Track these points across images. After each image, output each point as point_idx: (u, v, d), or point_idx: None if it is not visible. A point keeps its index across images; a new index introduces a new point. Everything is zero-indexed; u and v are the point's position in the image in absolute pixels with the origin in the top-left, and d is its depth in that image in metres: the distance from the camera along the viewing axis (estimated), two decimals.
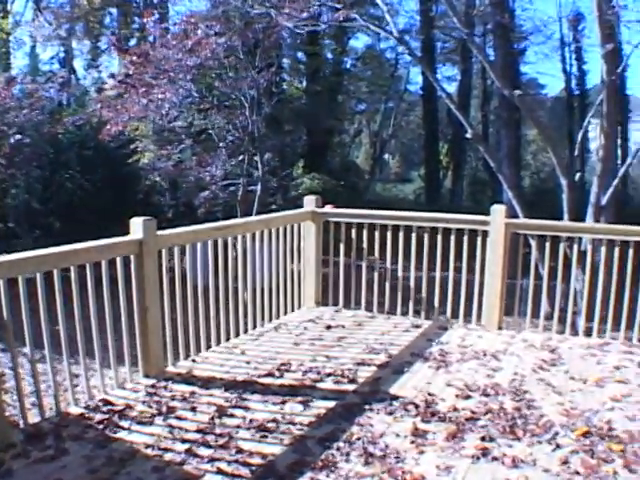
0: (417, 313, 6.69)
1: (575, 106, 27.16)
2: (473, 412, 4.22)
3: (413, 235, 6.37)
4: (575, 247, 6.65)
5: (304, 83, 25.79)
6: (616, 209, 15.35)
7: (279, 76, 19.26)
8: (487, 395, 4.55)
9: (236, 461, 3.52)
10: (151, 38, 15.55)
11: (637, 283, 5.79)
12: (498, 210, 6.09)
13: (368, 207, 7.49)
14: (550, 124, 27.03)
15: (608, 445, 3.73)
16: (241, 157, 14.91)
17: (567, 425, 4.03)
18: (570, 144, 23.50)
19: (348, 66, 28.24)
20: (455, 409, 4.27)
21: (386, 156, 39.64)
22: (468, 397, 4.51)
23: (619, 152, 23.84)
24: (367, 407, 4.26)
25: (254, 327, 6.02)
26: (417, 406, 4.30)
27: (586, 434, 3.88)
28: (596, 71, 21.77)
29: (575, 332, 6.37)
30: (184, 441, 3.74)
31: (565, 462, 3.55)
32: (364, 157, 36.73)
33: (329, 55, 26.64)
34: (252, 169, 15.33)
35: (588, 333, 6.19)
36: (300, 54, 25.82)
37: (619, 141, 24.50)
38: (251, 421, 3.99)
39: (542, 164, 29.15)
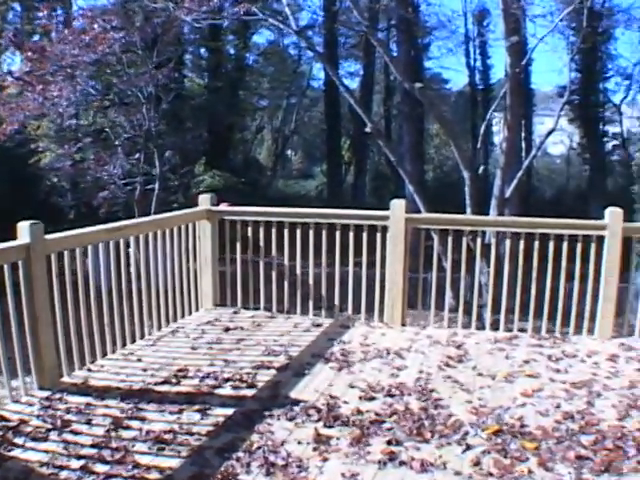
0: (318, 311, 6.60)
1: (479, 100, 28.12)
2: (378, 414, 4.13)
3: (311, 232, 6.31)
4: (480, 240, 6.66)
5: (206, 79, 25.76)
6: (521, 201, 15.91)
7: (179, 72, 19.25)
8: (392, 396, 4.46)
9: (133, 477, 3.35)
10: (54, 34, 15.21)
11: (544, 274, 5.91)
12: (397, 205, 6.12)
13: (270, 204, 7.44)
14: (454, 118, 27.83)
15: (521, 443, 3.71)
16: (137, 155, 14.65)
17: (477, 424, 3.98)
18: (473, 138, 24.18)
19: (250, 62, 28.64)
20: (359, 412, 4.17)
21: (289, 152, 40.26)
22: (372, 398, 4.42)
23: (523, 145, 24.68)
24: (267, 413, 4.14)
25: (151, 332, 5.85)
26: (319, 410, 4.18)
27: (497, 432, 3.85)
28: (500, 66, 22.59)
29: (482, 326, 6.42)
30: (79, 457, 3.52)
31: (477, 463, 3.49)
32: (267, 154, 37.04)
33: (232, 51, 26.81)
34: (151, 167, 15.18)
35: (495, 327, 6.26)
36: (203, 50, 25.89)
37: (523, 134, 25.49)
38: (148, 433, 3.83)
39: (445, 158, 29.96)
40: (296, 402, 4.31)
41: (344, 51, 29.49)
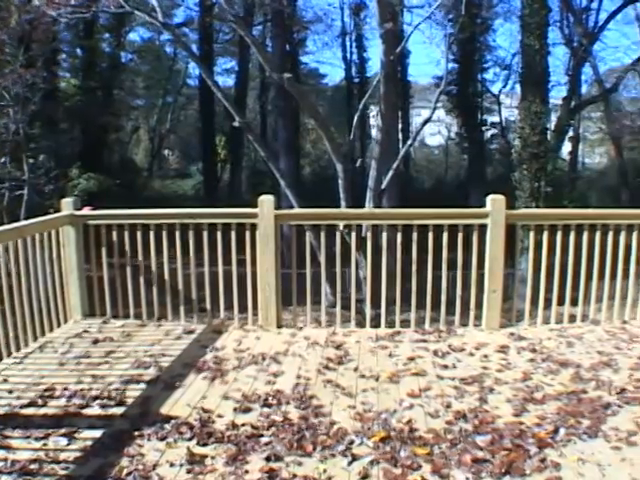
0: (190, 317, 6.34)
1: (355, 94, 28.52)
2: (255, 427, 3.91)
3: (177, 233, 6.10)
4: (356, 234, 6.54)
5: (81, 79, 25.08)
6: (400, 192, 16.12)
7: (50, 72, 18.64)
8: (269, 405, 4.25)
9: None
10: None
11: (425, 266, 5.85)
12: (266, 201, 6.00)
13: (146, 205, 7.11)
14: (331, 112, 28.13)
15: (412, 449, 3.57)
16: (3, 159, 13.90)
17: (362, 431, 3.82)
18: (350, 131, 24.48)
19: (125, 60, 28.52)
20: (234, 426, 3.93)
21: (166, 152, 40.54)
22: (248, 410, 4.19)
23: (401, 137, 25.17)
24: (137, 433, 3.87)
25: (18, 349, 5.46)
26: (192, 427, 3.92)
27: (385, 439, 3.69)
28: (377, 59, 22.92)
29: (362, 323, 6.29)
30: None
31: (365, 476, 3.33)
32: (144, 154, 36.77)
33: (107, 49, 26.47)
34: (21, 172, 14.56)
35: (376, 324, 6.16)
36: (79, 49, 25.40)
37: (401, 126, 26.02)
38: (13, 463, 3.52)
39: (322, 152, 30.13)
40: (167, 419, 4.05)
41: (220, 48, 29.68)
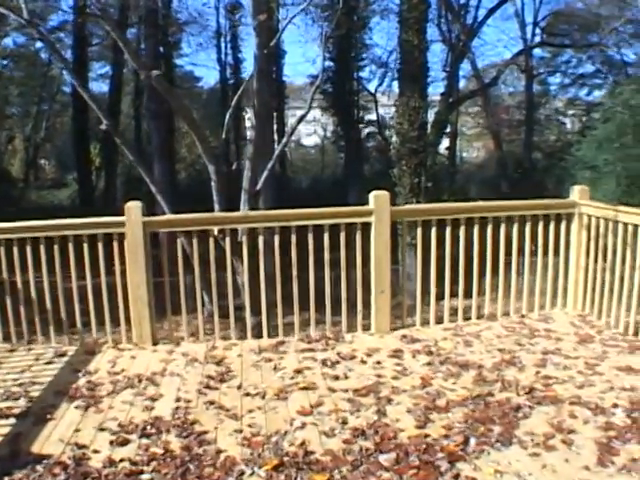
0: (61, 338, 5.78)
1: (230, 95, 27.98)
2: (134, 463, 3.51)
3: (42, 247, 5.55)
4: (235, 238, 6.18)
5: None
6: (276, 193, 15.85)
7: None
8: (148, 436, 3.84)
9: None
10: None
11: (306, 269, 5.53)
12: (133, 208, 5.54)
13: (23, 217, 6.40)
14: (206, 116, 27.73)
15: (309, 476, 3.27)
16: None
17: (252, 459, 3.49)
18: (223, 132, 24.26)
19: None
20: (112, 462, 3.52)
21: (42, 161, 38.83)
22: (126, 442, 3.77)
23: (276, 138, 25.00)
24: (7, 479, 3.43)
25: None
26: (66, 467, 3.48)
27: (278, 467, 3.37)
28: (252, 60, 22.70)
29: (243, 334, 5.93)
30: None
31: None
32: (20, 164, 35.13)
33: None
34: None
35: (258, 333, 5.83)
36: None
37: (276, 126, 25.93)
38: None
39: (198, 156, 29.52)
40: (39, 459, 3.58)
41: (95, 52, 28.78)
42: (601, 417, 3.88)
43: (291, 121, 31.66)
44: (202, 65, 44.02)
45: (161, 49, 22.03)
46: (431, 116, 18.01)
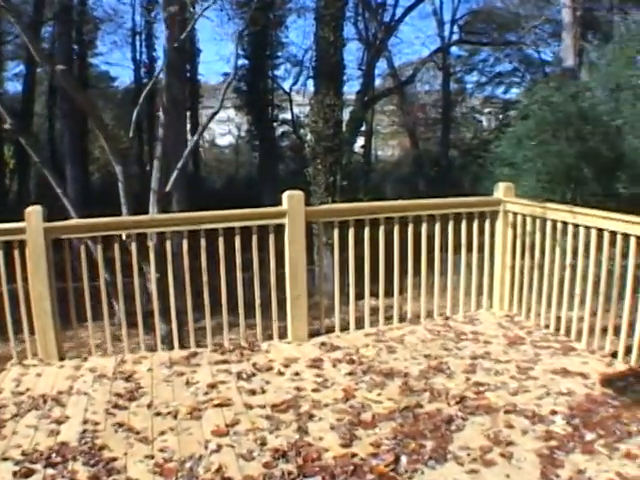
0: None
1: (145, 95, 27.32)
2: None
3: None
4: (144, 242, 5.80)
5: None
6: (189, 194, 15.49)
7: None
8: (53, 465, 3.48)
9: None
10: None
11: (216, 274, 5.25)
12: (33, 213, 5.09)
13: None
14: (121, 116, 27.09)
15: None
16: None
17: None
18: (140, 134, 23.94)
19: None
20: None
21: None
22: (30, 473, 3.40)
23: (190, 138, 24.64)
24: None
25: None
26: None
27: None
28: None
29: (154, 346, 5.62)
30: None
31: None
32: None
33: None
34: None
35: (170, 342, 5.56)
36: None
37: (189, 126, 25.44)
38: None
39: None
40: None
41: (10, 51, 27.57)
42: (540, 426, 3.74)
43: (204, 120, 31.17)
44: (117, 64, 42.95)
45: (75, 47, 21.57)
46: (346, 115, 17.96)
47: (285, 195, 5.35)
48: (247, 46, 22.67)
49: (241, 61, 22.51)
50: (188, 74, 25.31)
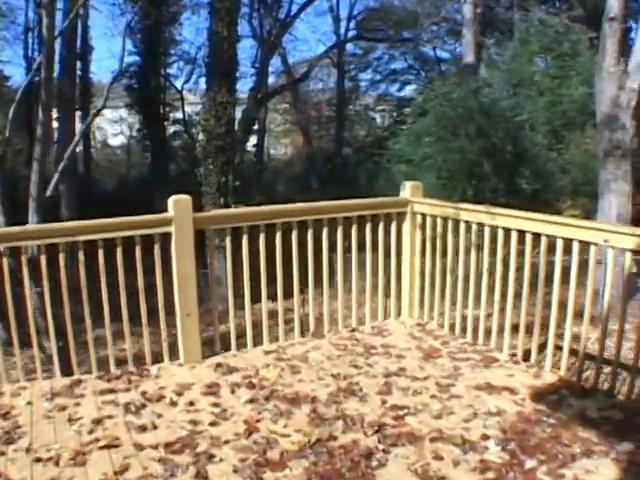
0: None
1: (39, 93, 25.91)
2: None
3: None
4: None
5: None
6: (80, 198, 14.78)
7: None
8: None
9: None
10: None
11: (111, 289, 4.58)
12: None
13: None
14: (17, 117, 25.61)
15: None
16: None
17: None
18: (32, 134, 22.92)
19: None
20: None
21: None
22: None
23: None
24: None
25: None
26: None
27: None
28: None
29: (33, 370, 4.87)
30: None
31: None
32: None
33: None
34: None
35: (49, 372, 4.87)
36: None
37: (80, 125, 24.51)
38: None
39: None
40: None
41: None
42: (472, 454, 3.33)
43: (97, 121, 30.06)
44: (9, 62, 40.81)
45: None
46: (239, 114, 17.48)
47: (171, 200, 4.70)
48: (139, 43, 21.84)
49: (132, 58, 21.95)
50: (79, 72, 24.34)
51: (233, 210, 5.47)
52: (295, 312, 5.27)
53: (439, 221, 5.31)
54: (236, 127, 15.64)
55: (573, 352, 4.52)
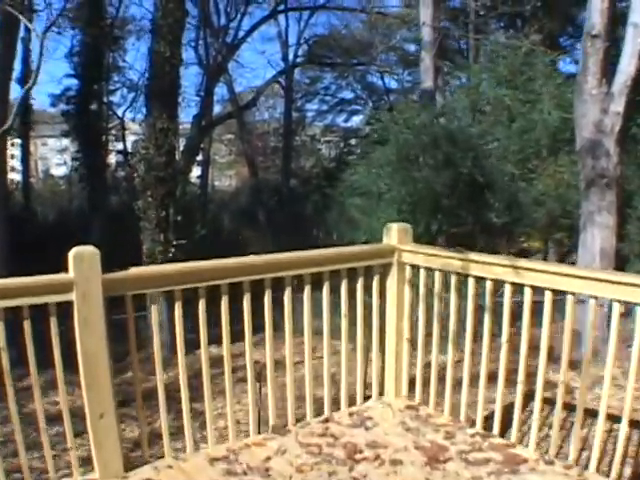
0: None
1: None
2: None
3: None
4: None
5: None
6: (16, 229, 13.76)
7: None
8: None
9: None
10: None
11: None
12: None
13: None
14: None
15: None
16: None
17: None
18: None
19: None
20: None
21: None
22: None
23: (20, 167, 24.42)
24: None
25: None
26: None
27: None
28: None
29: None
30: None
31: None
32: None
33: None
34: None
35: None
36: None
37: (19, 153, 24.38)
38: None
39: None
40: None
41: None
42: None
43: (42, 151, 28.32)
44: None
45: None
46: (182, 144, 16.11)
47: (71, 256, 3.11)
48: (78, 66, 20.22)
49: (71, 81, 20.59)
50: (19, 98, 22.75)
51: (162, 267, 3.73)
52: (249, 399, 3.77)
53: (437, 275, 3.93)
54: (178, 157, 14.06)
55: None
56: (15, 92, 22.29)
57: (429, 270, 3.98)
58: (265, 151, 28.20)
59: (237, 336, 3.59)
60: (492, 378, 3.73)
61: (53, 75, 34.48)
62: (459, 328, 3.85)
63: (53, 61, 30.96)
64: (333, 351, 4.03)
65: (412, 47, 22.83)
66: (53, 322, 3.09)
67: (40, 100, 25.04)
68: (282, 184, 25.38)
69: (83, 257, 3.10)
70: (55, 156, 30.39)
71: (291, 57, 24.55)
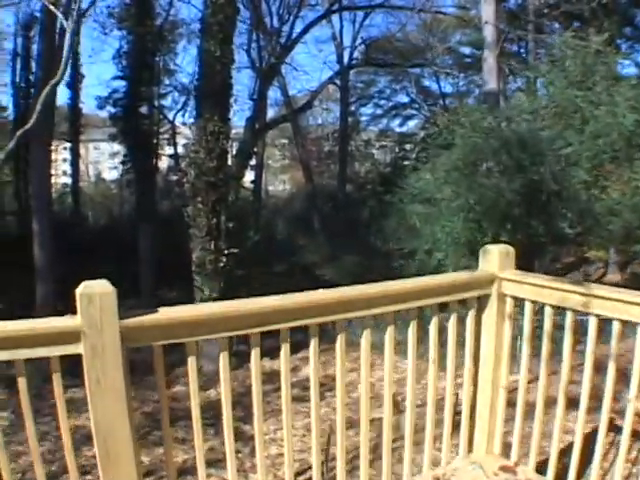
0: None
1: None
2: None
3: None
4: None
5: None
6: (65, 234, 13.71)
7: None
8: None
9: None
10: None
11: None
12: None
13: None
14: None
15: None
16: None
17: None
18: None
19: None
20: None
21: None
22: None
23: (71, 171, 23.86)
24: None
25: None
26: None
27: None
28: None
29: None
30: None
31: None
32: None
33: None
34: None
35: None
36: None
37: (69, 157, 24.30)
38: None
39: None
40: None
41: None
42: None
43: (93, 154, 28.05)
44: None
45: None
46: (236, 147, 15.46)
47: (78, 294, 2.23)
48: (125, 68, 19.59)
49: (118, 83, 20.11)
50: (69, 101, 22.73)
51: (199, 309, 2.73)
52: (314, 469, 2.97)
53: (547, 311, 3.06)
54: (230, 161, 13.31)
55: None
56: (64, 96, 22.35)
57: (537, 303, 3.11)
58: (319, 155, 27.54)
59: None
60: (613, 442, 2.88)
61: (101, 77, 34.32)
62: (570, 377, 3.00)
63: (102, 63, 30.44)
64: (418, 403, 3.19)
65: (467, 50, 22.13)
66: (56, 380, 2.26)
67: (90, 103, 24.76)
68: (338, 189, 24.63)
69: (92, 297, 2.20)
70: (107, 160, 29.79)
71: (346, 60, 23.86)
